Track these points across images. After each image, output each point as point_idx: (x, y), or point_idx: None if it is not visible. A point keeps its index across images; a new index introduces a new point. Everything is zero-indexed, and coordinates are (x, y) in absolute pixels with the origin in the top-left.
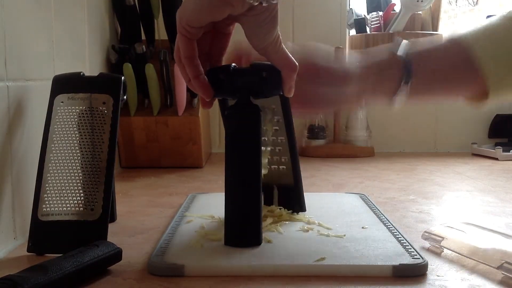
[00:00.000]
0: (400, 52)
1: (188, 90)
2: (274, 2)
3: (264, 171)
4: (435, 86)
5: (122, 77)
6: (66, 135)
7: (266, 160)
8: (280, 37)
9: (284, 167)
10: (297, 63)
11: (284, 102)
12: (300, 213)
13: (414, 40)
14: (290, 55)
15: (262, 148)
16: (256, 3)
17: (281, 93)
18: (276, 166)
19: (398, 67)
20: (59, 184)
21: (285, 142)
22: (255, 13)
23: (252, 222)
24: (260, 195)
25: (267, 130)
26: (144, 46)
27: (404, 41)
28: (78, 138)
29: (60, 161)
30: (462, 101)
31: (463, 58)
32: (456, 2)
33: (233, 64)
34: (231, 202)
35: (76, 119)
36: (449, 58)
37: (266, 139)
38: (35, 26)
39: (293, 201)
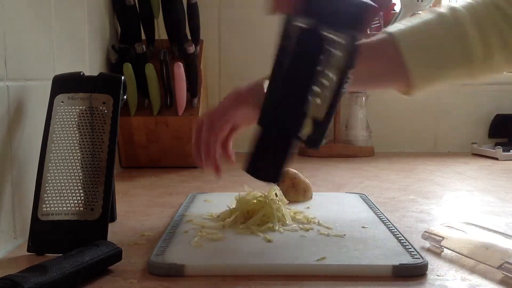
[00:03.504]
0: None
1: (188, 90)
2: None
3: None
4: (370, 77)
5: (122, 77)
6: (66, 135)
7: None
8: None
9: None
10: None
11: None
12: (302, 211)
13: None
14: None
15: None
16: None
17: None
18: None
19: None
20: (59, 184)
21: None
22: None
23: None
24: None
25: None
26: (144, 46)
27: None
28: (78, 138)
29: (60, 161)
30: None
31: (392, 54)
32: (456, 1)
33: None
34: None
35: (76, 119)
36: (381, 53)
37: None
38: (35, 26)
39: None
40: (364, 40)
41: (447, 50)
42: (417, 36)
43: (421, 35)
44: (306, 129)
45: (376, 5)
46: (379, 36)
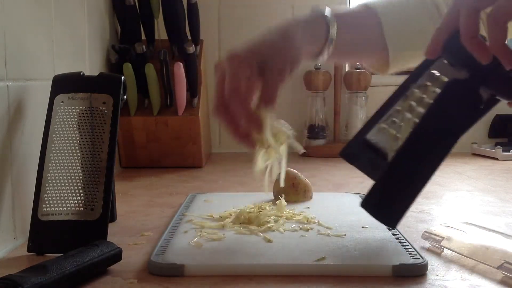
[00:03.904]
0: (325, 12)
1: (188, 90)
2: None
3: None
4: (349, 50)
5: (122, 77)
6: (66, 135)
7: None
8: None
9: None
10: None
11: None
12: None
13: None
14: None
15: None
16: None
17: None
18: None
19: (322, 25)
20: (59, 184)
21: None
22: None
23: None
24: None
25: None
26: (144, 46)
27: (328, 7)
28: (78, 138)
29: (60, 161)
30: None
31: (374, 25)
32: None
33: None
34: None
35: (76, 119)
36: (362, 25)
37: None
38: (35, 26)
39: None
40: (345, 10)
41: (423, 29)
42: (397, 9)
43: (400, 10)
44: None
45: None
46: (361, 7)
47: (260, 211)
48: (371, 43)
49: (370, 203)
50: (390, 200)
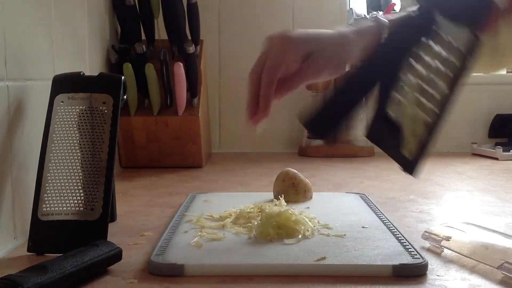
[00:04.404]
0: (380, 16)
1: (188, 90)
2: None
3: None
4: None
5: (122, 77)
6: (66, 135)
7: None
8: None
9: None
10: None
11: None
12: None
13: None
14: None
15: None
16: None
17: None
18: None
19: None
20: (59, 184)
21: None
22: None
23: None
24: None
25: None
26: (144, 46)
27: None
28: (78, 138)
29: (60, 161)
30: None
31: None
32: None
33: None
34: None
35: (76, 119)
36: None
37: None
38: (35, 26)
39: None
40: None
41: None
42: None
43: None
44: (409, 147)
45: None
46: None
47: (260, 211)
48: None
49: (310, 121)
50: (329, 116)
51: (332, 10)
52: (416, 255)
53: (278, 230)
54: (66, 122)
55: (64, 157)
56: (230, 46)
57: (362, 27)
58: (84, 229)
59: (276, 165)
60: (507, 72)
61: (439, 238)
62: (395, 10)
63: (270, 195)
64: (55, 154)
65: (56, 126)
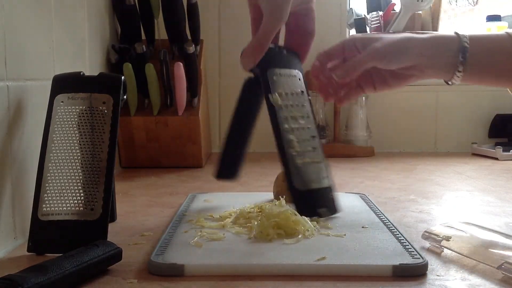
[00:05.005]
0: (457, 31)
1: (188, 90)
2: None
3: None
4: (487, 72)
5: (122, 77)
6: (66, 135)
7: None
8: None
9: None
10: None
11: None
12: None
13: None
14: None
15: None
16: None
17: None
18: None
19: (455, 44)
20: (59, 184)
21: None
22: None
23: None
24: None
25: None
26: (144, 46)
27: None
28: (78, 138)
29: (60, 161)
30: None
31: None
32: (456, 2)
33: None
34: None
35: (76, 119)
36: (504, 49)
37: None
38: (35, 26)
39: None
40: (481, 34)
41: None
42: None
43: None
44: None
45: None
46: (497, 33)
47: (260, 211)
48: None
49: (219, 172)
50: (228, 162)
51: (332, 10)
52: (416, 255)
53: (278, 230)
54: (66, 122)
55: (64, 157)
56: (230, 46)
57: (437, 36)
58: (84, 229)
59: (276, 165)
60: None
61: (439, 238)
62: (395, 10)
63: (270, 195)
64: (55, 154)
65: (56, 126)
